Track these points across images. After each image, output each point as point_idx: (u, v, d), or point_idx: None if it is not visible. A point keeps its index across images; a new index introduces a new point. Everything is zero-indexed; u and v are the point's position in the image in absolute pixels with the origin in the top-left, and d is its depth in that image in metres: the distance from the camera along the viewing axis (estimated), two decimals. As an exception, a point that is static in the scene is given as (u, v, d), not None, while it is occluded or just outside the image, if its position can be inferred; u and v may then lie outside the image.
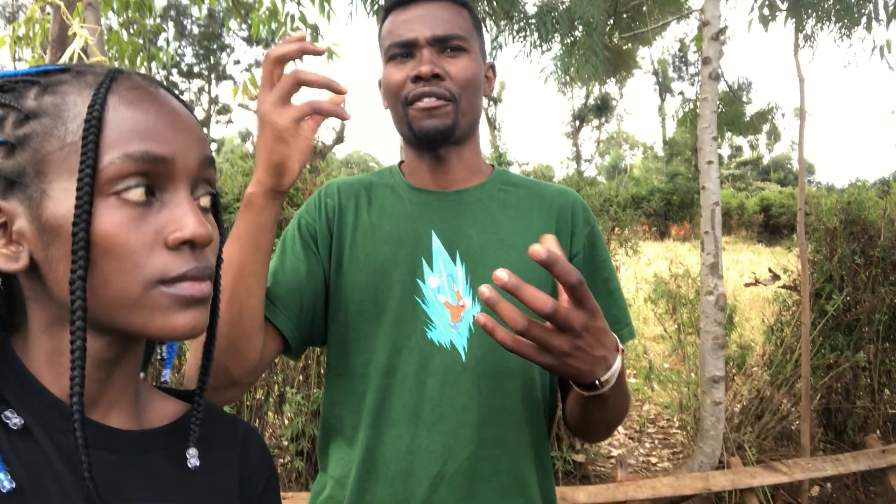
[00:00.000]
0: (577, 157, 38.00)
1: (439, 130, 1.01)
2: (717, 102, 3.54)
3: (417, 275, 1.02)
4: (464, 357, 0.99)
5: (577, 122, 37.00)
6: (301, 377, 3.37)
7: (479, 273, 1.02)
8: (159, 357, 0.72)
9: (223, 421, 0.69)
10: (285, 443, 3.37)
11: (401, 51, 1.02)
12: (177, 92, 0.65)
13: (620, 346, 0.83)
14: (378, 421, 0.99)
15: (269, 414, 3.52)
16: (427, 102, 1.00)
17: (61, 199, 0.51)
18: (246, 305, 0.89)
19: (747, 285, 4.13)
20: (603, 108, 36.20)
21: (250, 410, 3.30)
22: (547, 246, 0.72)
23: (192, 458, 0.61)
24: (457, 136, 1.04)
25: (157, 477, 0.58)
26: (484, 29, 1.13)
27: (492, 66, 1.14)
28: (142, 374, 0.69)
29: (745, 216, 22.19)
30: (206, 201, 0.59)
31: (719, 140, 3.67)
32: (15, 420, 0.52)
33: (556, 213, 1.09)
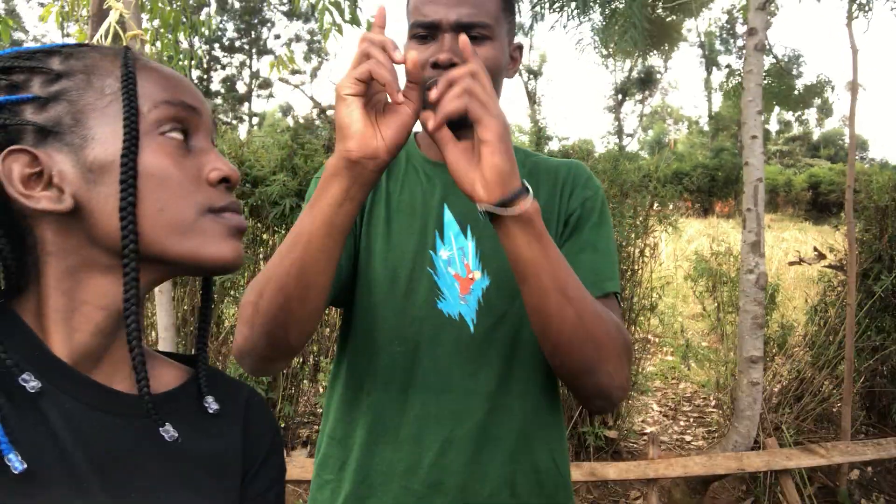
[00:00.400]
0: (619, 132, 37.30)
1: (452, 119, 1.00)
2: (763, 75, 3.42)
3: (429, 246, 1.05)
4: (472, 328, 1.02)
5: (620, 96, 36.24)
6: (336, 346, 3.42)
7: (488, 247, 1.04)
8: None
9: (228, 386, 0.69)
10: (319, 410, 3.45)
11: (423, 31, 1.02)
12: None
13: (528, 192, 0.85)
14: (387, 387, 1.02)
15: (305, 382, 3.60)
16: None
17: (109, 141, 0.56)
18: (313, 283, 0.84)
19: (791, 264, 4.03)
20: (647, 81, 35.33)
21: (286, 378, 3.37)
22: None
23: (211, 404, 0.65)
24: (469, 122, 1.03)
25: (163, 440, 0.59)
26: (517, 4, 1.10)
27: (519, 47, 1.13)
28: None
29: (793, 193, 21.54)
30: None
31: (766, 115, 3.56)
32: (33, 383, 0.53)
33: (560, 183, 1.11)
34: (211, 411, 0.64)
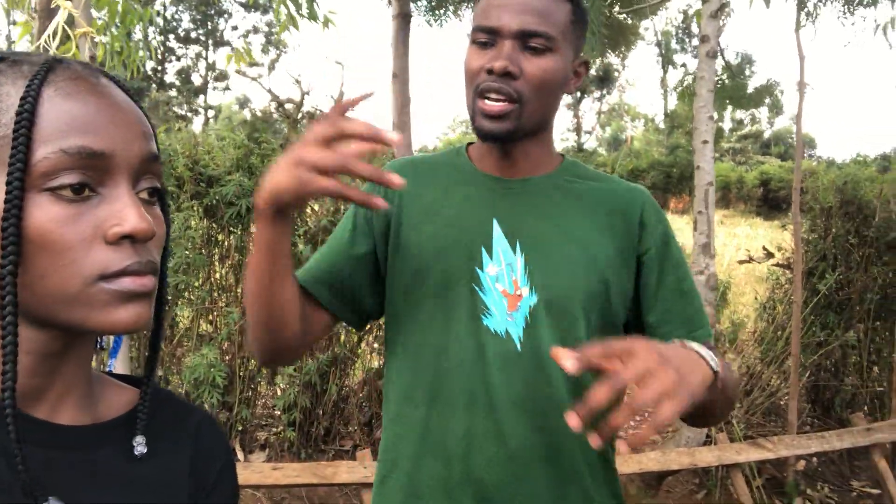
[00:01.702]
0: (578, 129, 37.74)
1: (496, 135, 1.01)
2: (715, 80, 3.50)
3: (476, 262, 1.03)
4: (519, 346, 1.00)
5: (578, 94, 36.65)
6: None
7: (538, 264, 1.02)
8: (101, 346, 0.72)
9: (178, 409, 0.68)
10: (277, 412, 3.42)
11: (484, 37, 1.00)
12: (122, 78, 0.64)
13: (696, 347, 0.84)
14: (434, 402, 1.02)
15: (262, 384, 3.57)
16: (491, 104, 0.99)
17: None
18: (273, 306, 0.95)
19: (741, 262, 4.15)
20: (604, 79, 35.80)
21: (242, 381, 3.33)
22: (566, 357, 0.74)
23: (139, 445, 0.61)
24: (518, 137, 1.03)
25: (103, 471, 0.58)
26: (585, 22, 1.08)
27: (584, 62, 1.10)
28: None
29: (745, 190, 22.10)
30: (149, 194, 0.58)
31: (719, 112, 3.65)
32: None
33: (625, 210, 1.07)
34: (136, 454, 0.60)
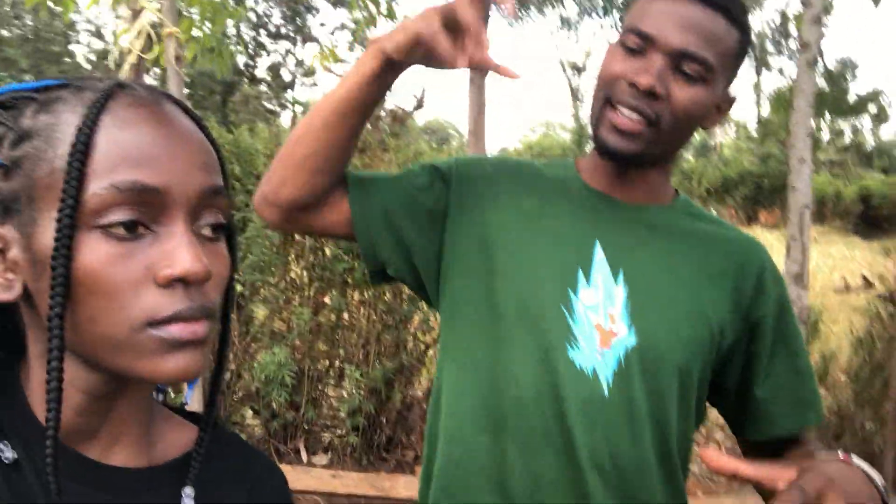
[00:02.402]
0: (664, 134, 36.60)
1: (621, 154, 0.91)
2: (815, 91, 3.27)
3: (570, 283, 0.92)
4: (606, 391, 0.89)
5: (666, 97, 35.51)
6: (361, 353, 3.42)
7: (641, 301, 0.92)
8: (160, 390, 0.69)
9: (239, 455, 0.65)
10: (342, 415, 3.44)
11: (635, 42, 0.89)
12: (190, 105, 0.59)
13: (863, 466, 0.74)
14: (499, 432, 0.91)
15: (329, 387, 3.60)
16: (625, 119, 0.89)
17: (48, 230, 0.48)
18: (329, 141, 0.91)
19: (837, 292, 3.87)
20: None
21: (310, 381, 3.37)
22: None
23: (188, 497, 0.57)
24: (641, 162, 0.94)
25: None
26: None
27: (731, 100, 0.98)
28: (160, 396, 0.67)
29: (842, 206, 20.84)
30: (218, 230, 0.55)
31: (817, 122, 3.43)
32: (7, 454, 0.50)
33: (741, 264, 0.97)
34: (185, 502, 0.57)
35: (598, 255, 0.94)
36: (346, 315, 3.50)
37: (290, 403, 3.31)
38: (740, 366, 1.00)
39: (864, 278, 3.93)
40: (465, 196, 1.01)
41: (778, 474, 0.69)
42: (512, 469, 0.91)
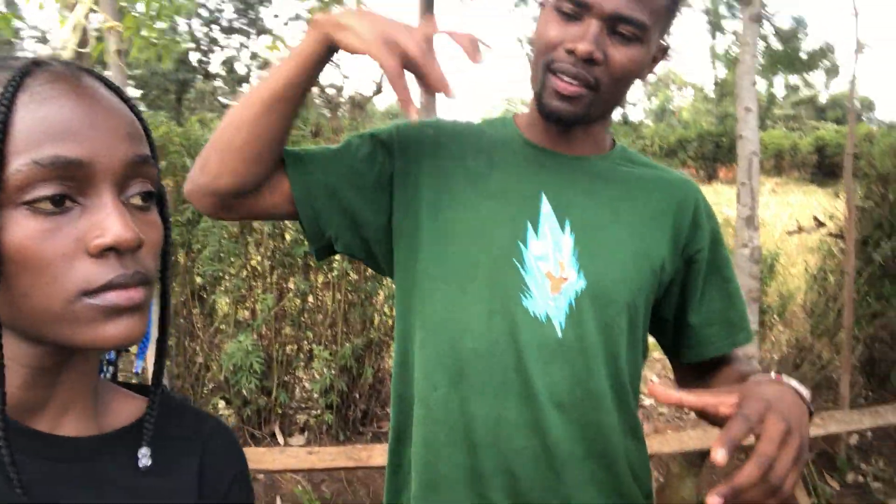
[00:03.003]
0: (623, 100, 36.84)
1: (564, 118, 0.94)
2: (765, 43, 3.33)
3: (520, 237, 0.95)
4: (559, 333, 0.93)
5: (622, 65, 35.66)
6: (329, 333, 3.43)
7: (588, 247, 0.96)
8: (108, 359, 0.70)
9: (190, 419, 0.67)
10: (315, 395, 3.46)
11: (570, 8, 0.89)
12: (108, 77, 0.59)
13: (793, 383, 0.82)
14: (457, 385, 0.94)
15: (300, 369, 3.60)
16: (566, 85, 0.91)
17: None
18: (267, 125, 0.88)
19: (790, 233, 3.98)
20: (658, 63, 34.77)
21: (281, 365, 3.37)
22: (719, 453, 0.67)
23: (144, 457, 0.59)
24: (584, 122, 0.97)
25: (107, 482, 0.56)
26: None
27: (664, 49, 1.00)
28: (110, 369, 0.68)
29: (799, 157, 21.26)
30: (146, 198, 0.55)
31: (772, 79, 3.50)
32: None
33: (678, 203, 1.02)
34: (140, 466, 0.58)
35: (545, 207, 0.97)
36: (311, 298, 3.50)
37: (261, 389, 3.31)
38: (677, 296, 1.06)
39: (816, 219, 4.03)
40: (410, 162, 1.02)
41: (719, 400, 0.76)
42: (474, 418, 0.94)
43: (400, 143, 1.03)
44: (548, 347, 0.93)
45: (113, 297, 0.50)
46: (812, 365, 3.59)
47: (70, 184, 0.49)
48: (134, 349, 0.72)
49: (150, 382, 0.65)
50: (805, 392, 0.82)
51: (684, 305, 1.06)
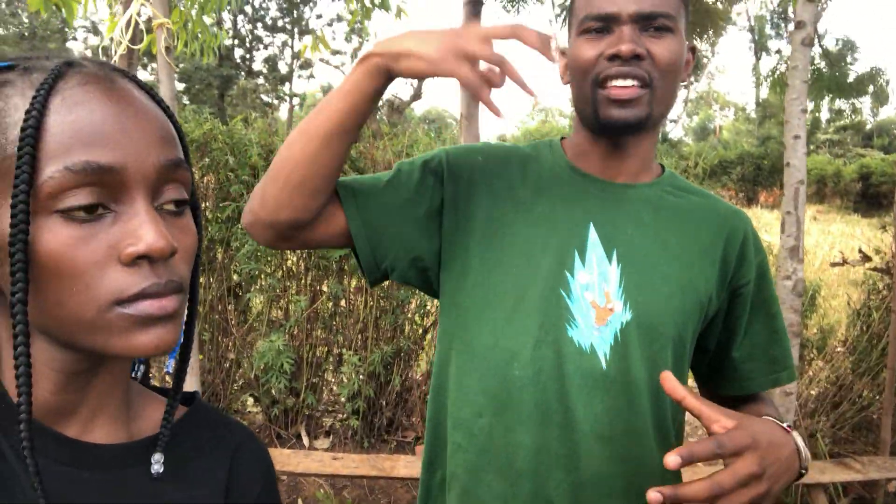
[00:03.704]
0: (662, 118, 36.44)
1: (629, 123, 0.92)
2: (811, 68, 3.25)
3: (567, 266, 0.94)
4: (604, 364, 0.92)
5: (664, 81, 35.33)
6: (359, 339, 3.43)
7: (635, 278, 0.94)
8: (140, 363, 0.69)
9: (218, 427, 0.66)
10: (342, 399, 3.46)
11: (597, 24, 0.91)
12: (143, 80, 0.58)
13: (798, 440, 0.84)
14: (501, 413, 0.93)
15: (328, 372, 3.61)
16: (621, 90, 0.91)
17: (5, 217, 0.47)
18: (321, 160, 0.88)
19: (833, 265, 3.87)
20: (693, 66, 34.42)
21: (310, 367, 3.39)
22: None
23: (157, 463, 0.58)
24: (648, 126, 0.95)
25: (132, 491, 0.56)
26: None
27: (693, 49, 1.02)
28: (141, 367, 0.68)
29: (842, 184, 20.79)
30: (181, 204, 0.54)
31: (816, 103, 3.42)
32: None
33: (727, 234, 1.00)
34: (153, 472, 0.57)
35: (592, 236, 0.96)
36: (343, 302, 3.51)
37: (289, 390, 3.32)
38: (720, 329, 1.04)
39: (861, 252, 3.92)
40: (459, 189, 1.01)
41: (717, 417, 0.76)
42: (517, 447, 0.92)
43: (450, 170, 1.02)
44: (591, 378, 0.91)
45: (146, 307, 0.49)
46: (852, 404, 3.48)
47: (102, 190, 0.48)
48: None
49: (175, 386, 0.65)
50: (805, 453, 0.83)
51: (728, 338, 1.05)
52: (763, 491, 0.73)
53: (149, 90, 0.56)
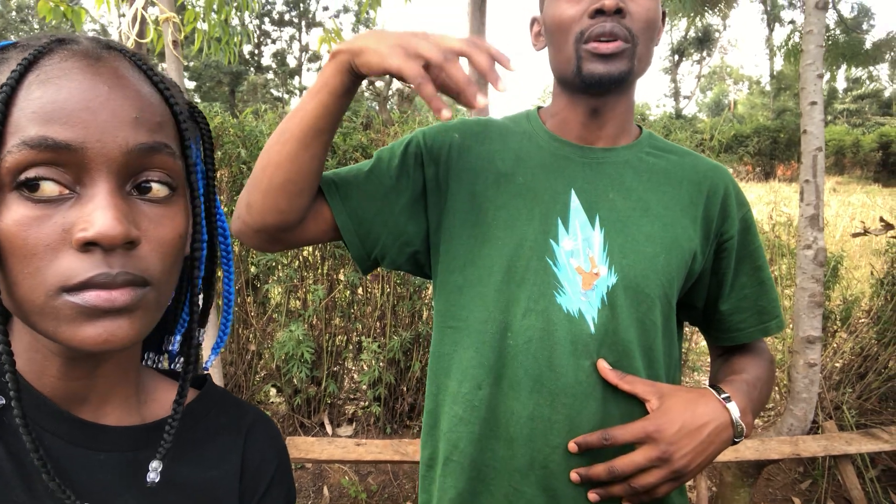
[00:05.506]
0: (676, 94, 36.07)
1: (613, 78, 0.93)
2: (825, 35, 3.18)
3: (551, 234, 0.96)
4: (592, 328, 0.93)
5: (676, 56, 34.93)
6: (378, 326, 3.44)
7: (618, 241, 0.96)
8: (165, 349, 0.69)
9: (230, 410, 0.66)
10: (364, 387, 3.48)
11: None
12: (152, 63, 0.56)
13: (733, 410, 0.92)
14: (498, 382, 0.95)
15: (349, 360, 3.63)
16: (606, 45, 0.92)
17: None
18: (301, 162, 0.88)
19: (855, 235, 3.80)
20: (704, 40, 33.93)
21: (330, 356, 3.40)
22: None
23: (153, 471, 0.55)
24: (631, 81, 0.97)
25: (145, 472, 0.56)
26: None
27: (664, 14, 1.03)
28: (157, 357, 0.68)
29: (861, 155, 20.44)
30: (162, 191, 0.51)
31: (833, 72, 3.35)
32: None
33: (708, 191, 1.01)
34: (147, 482, 0.55)
35: (574, 203, 0.97)
36: (360, 290, 3.52)
37: (311, 379, 3.34)
38: (707, 284, 1.06)
39: (883, 220, 3.85)
40: (440, 169, 1.03)
41: (648, 397, 0.92)
42: (511, 415, 0.95)
43: (428, 151, 1.04)
44: (581, 343, 0.93)
45: (91, 297, 0.46)
46: (878, 375, 3.43)
47: (64, 170, 0.46)
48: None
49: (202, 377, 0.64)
50: (740, 425, 0.92)
51: (715, 293, 1.06)
52: (672, 471, 0.87)
53: (149, 71, 0.53)
